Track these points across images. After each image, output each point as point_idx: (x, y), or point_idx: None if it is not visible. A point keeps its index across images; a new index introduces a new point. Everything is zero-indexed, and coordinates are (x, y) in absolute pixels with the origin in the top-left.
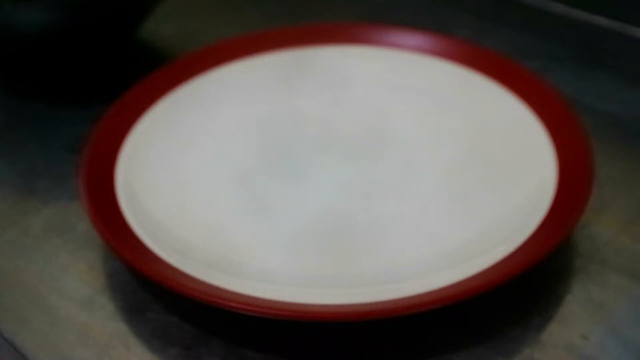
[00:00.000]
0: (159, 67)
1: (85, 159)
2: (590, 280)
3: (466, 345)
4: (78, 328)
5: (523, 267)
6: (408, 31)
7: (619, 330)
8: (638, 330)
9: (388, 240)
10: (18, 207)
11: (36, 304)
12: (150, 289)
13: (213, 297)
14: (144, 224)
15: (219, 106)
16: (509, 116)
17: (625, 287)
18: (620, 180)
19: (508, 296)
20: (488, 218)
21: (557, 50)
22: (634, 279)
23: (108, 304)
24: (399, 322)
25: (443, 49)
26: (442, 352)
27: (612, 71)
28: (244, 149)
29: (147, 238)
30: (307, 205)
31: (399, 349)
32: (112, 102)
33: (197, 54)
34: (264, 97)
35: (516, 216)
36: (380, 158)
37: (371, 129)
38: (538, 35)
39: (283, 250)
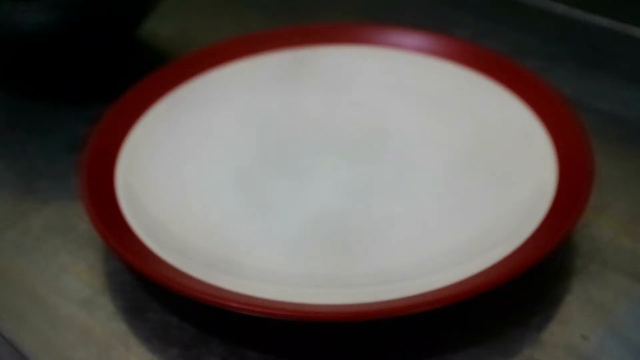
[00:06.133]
0: (159, 67)
1: (85, 159)
2: (590, 280)
3: (466, 346)
4: (78, 328)
5: (523, 267)
6: (408, 31)
7: (619, 330)
8: (638, 330)
9: (388, 240)
10: (18, 207)
11: (36, 304)
12: (150, 289)
13: (213, 297)
14: (144, 224)
15: (219, 106)
16: (509, 116)
17: (625, 287)
18: (620, 180)
19: (508, 296)
20: (488, 218)
21: (557, 50)
22: (634, 279)
23: (108, 304)
24: (398, 322)
25: (443, 49)
26: (442, 352)
27: (612, 71)
28: (244, 149)
29: (147, 238)
30: (307, 205)
31: (398, 349)
32: (112, 102)
33: (197, 54)
34: (264, 97)
35: (516, 216)
36: (380, 158)
37: (371, 129)
38: (538, 35)
39: (283, 250)
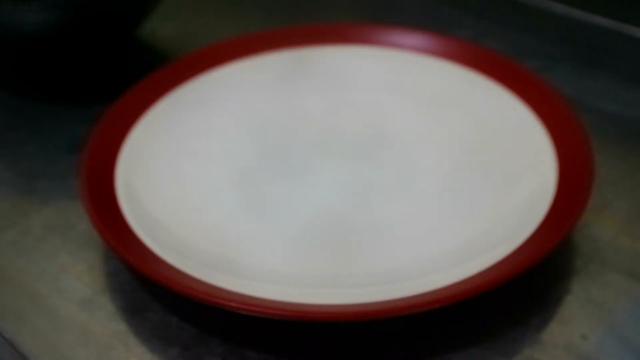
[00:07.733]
0: (159, 67)
1: (85, 159)
2: (590, 280)
3: (466, 346)
4: (78, 328)
5: (523, 267)
6: (408, 31)
7: (619, 330)
8: (638, 330)
9: (388, 240)
10: (18, 207)
11: (36, 304)
12: (150, 289)
13: (213, 297)
14: (144, 224)
15: (219, 106)
16: (509, 116)
17: (625, 287)
18: (620, 180)
19: (508, 296)
20: (488, 218)
21: (557, 50)
22: (634, 279)
23: (108, 304)
24: (398, 322)
25: (443, 49)
26: (442, 352)
27: (612, 71)
28: (244, 149)
29: (147, 238)
30: (307, 205)
31: (398, 348)
32: (112, 102)
33: (197, 54)
34: (264, 97)
35: (516, 216)
36: (380, 158)
37: (371, 129)
38: (538, 35)
39: (283, 250)
